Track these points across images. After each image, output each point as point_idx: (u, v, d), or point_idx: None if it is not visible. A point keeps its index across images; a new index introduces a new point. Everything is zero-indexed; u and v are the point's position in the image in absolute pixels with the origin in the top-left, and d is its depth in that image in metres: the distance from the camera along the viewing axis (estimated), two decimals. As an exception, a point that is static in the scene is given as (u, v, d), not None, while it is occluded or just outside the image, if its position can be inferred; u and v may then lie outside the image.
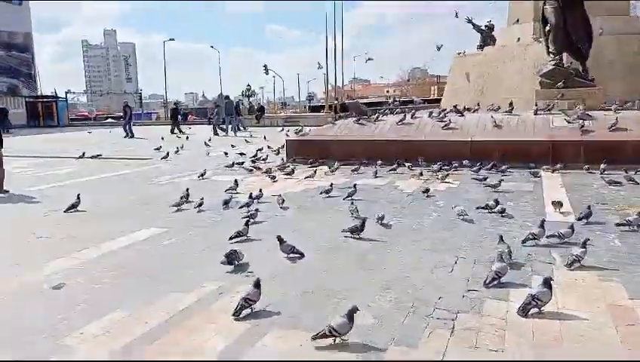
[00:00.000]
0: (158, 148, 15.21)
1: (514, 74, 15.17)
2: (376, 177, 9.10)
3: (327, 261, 4.49)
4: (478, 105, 12.20)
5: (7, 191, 8.47)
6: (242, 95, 52.00)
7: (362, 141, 11.12)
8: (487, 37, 24.49)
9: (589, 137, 9.21)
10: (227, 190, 7.94)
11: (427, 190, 7.32)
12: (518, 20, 15.63)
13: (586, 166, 8.76)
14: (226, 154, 13.79)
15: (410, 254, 4.58)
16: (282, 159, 11.50)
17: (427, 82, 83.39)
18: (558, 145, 9.39)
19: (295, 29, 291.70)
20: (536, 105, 10.57)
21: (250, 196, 7.04)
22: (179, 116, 26.51)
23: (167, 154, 13.28)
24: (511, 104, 11.37)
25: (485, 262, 4.22)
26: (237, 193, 7.87)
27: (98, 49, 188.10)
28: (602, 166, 8.49)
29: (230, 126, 23.59)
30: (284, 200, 6.90)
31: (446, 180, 8.34)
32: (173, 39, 54.39)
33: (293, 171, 9.81)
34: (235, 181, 8.36)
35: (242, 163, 11.10)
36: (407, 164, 9.89)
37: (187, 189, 7.48)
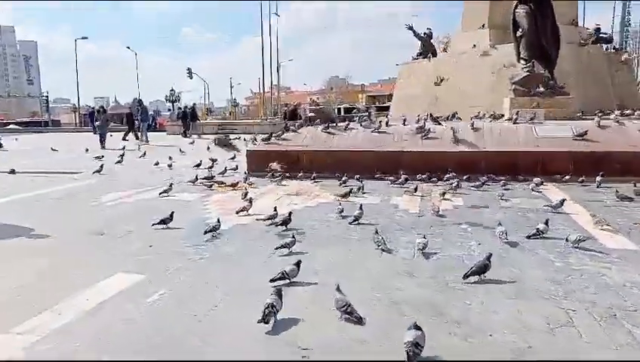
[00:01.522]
0: (99, 157, 13.46)
1: (470, 82, 14.89)
2: (363, 193, 8.09)
3: (396, 325, 3.28)
4: (455, 115, 11.57)
5: None
6: (166, 100, 48.87)
7: (335, 152, 10.06)
8: (427, 44, 24.59)
9: (581, 148, 8.83)
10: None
11: (438, 209, 6.42)
12: (483, 25, 15.41)
13: (580, 178, 8.36)
14: (156, 164, 12.24)
15: (499, 305, 3.53)
16: (245, 172, 10.10)
17: (351, 91, 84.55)
18: (547, 156, 8.93)
19: (209, 32, 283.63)
20: (517, 113, 10.12)
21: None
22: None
23: (101, 167, 11.32)
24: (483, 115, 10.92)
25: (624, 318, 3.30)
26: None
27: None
28: (598, 179, 8.10)
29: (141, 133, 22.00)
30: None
31: (445, 197, 7.49)
32: (86, 37, 50.09)
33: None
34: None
35: (211, 176, 9.57)
36: (389, 178, 9.02)
37: (172, 213, 6.03)
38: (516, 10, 11.15)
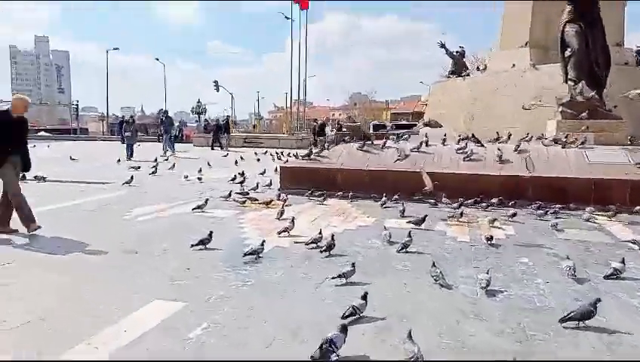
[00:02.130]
0: (136, 168, 13.61)
1: (508, 102, 14.40)
2: (403, 216, 7.66)
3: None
4: (497, 137, 11.05)
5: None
6: (192, 111, 49.28)
7: (372, 171, 9.67)
8: (458, 63, 24.17)
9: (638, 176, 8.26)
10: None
11: (490, 237, 5.95)
12: (526, 44, 14.95)
13: (637, 208, 7.79)
14: (186, 177, 12.07)
15: None
16: (279, 190, 9.78)
17: (374, 107, 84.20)
18: (600, 184, 8.38)
19: (233, 46, 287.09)
20: (566, 137, 9.61)
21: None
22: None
23: (132, 178, 11.14)
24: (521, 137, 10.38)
25: None
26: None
27: (28, 56, 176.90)
28: (654, 210, 7.54)
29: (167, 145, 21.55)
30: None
31: (494, 224, 7.02)
32: (117, 48, 50.80)
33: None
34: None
35: (245, 193, 9.30)
36: (429, 201, 8.60)
37: (211, 233, 5.72)
38: (565, 30, 10.67)
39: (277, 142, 27.13)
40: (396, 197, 8.62)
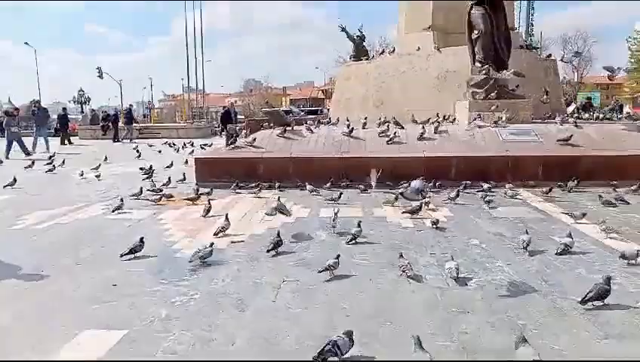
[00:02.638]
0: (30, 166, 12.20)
1: (416, 85, 14.69)
2: (337, 203, 7.33)
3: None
4: (384, 119, 11.13)
5: None
6: (73, 102, 44.77)
7: (296, 159, 9.19)
8: (360, 47, 24.43)
9: (549, 152, 8.73)
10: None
11: (437, 221, 5.83)
12: (430, 27, 15.23)
13: (558, 184, 8.20)
14: (81, 174, 10.76)
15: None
16: (196, 184, 8.91)
17: (271, 94, 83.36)
18: (516, 161, 8.74)
19: (117, 31, 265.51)
20: (479, 116, 9.91)
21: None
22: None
23: (15, 179, 9.53)
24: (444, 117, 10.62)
25: None
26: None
27: None
28: (570, 184, 8.02)
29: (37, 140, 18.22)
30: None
31: (430, 207, 6.95)
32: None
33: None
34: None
35: (159, 189, 8.30)
36: (360, 186, 8.38)
37: (142, 239, 4.96)
38: (471, 12, 10.99)
39: (175, 132, 25.48)
40: (327, 185, 8.26)
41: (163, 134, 25.53)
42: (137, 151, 15.85)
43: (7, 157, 15.42)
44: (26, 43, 50.70)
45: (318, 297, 3.76)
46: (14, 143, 16.29)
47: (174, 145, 18.02)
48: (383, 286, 3.96)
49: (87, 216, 6.79)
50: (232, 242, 5.39)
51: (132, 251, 4.74)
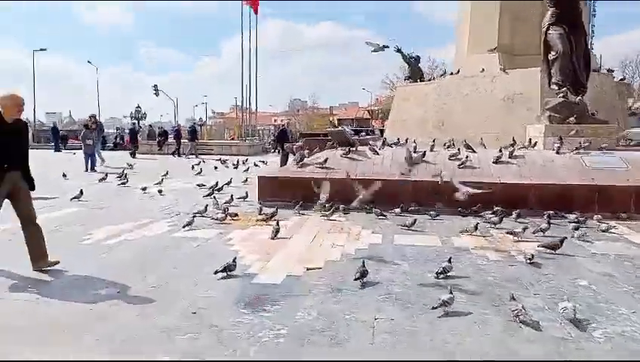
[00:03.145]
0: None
1: (480, 107, 14.13)
2: (409, 229, 6.90)
3: None
4: (451, 142, 10.60)
5: None
6: (131, 117, 46.40)
7: (361, 180, 8.79)
8: (415, 68, 24.04)
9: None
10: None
11: (532, 256, 5.28)
12: (495, 49, 14.76)
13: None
14: (143, 189, 10.79)
15: None
16: (260, 202, 8.69)
17: (317, 113, 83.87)
18: (604, 190, 8.02)
19: (165, 50, 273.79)
20: (560, 139, 9.23)
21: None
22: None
23: (81, 192, 9.63)
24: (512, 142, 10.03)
25: None
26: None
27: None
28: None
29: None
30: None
31: (517, 238, 6.36)
32: (45, 49, 46.62)
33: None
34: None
35: (224, 209, 8.06)
36: (431, 213, 7.89)
37: (235, 259, 4.84)
38: (549, 32, 10.41)
39: (229, 149, 25.68)
40: (397, 210, 7.85)
41: (216, 151, 25.82)
42: (199, 166, 16.06)
43: (86, 170, 15.86)
44: (89, 62, 53.47)
45: (422, 340, 3.33)
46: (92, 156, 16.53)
47: (225, 161, 18.04)
48: (493, 333, 3.47)
49: (153, 234, 6.63)
50: (308, 269, 5.05)
51: (226, 269, 4.60)
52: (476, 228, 6.72)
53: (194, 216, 7.10)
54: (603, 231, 6.86)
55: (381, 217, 7.74)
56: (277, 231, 6.46)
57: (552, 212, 7.51)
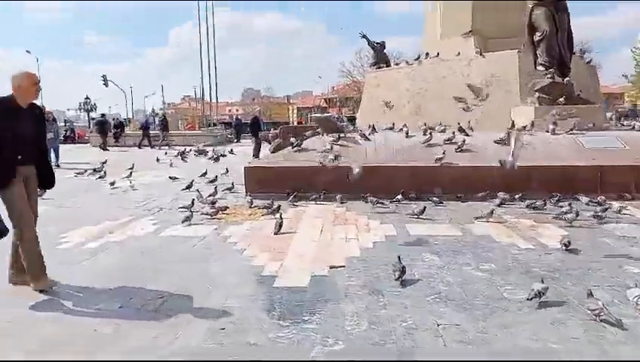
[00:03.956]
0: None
1: (457, 92, 13.82)
2: (419, 217, 6.46)
3: None
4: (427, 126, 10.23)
5: None
6: (80, 109, 43.89)
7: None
8: (380, 54, 23.67)
9: (643, 161, 7.84)
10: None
11: (569, 243, 4.91)
12: (470, 32, 14.47)
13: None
14: (112, 184, 9.89)
15: None
16: (250, 195, 7.98)
17: (274, 102, 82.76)
18: (607, 171, 7.84)
19: (112, 40, 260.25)
20: (554, 123, 8.99)
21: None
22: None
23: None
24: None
25: None
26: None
27: None
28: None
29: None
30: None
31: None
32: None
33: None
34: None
35: (213, 202, 7.36)
36: (434, 199, 7.48)
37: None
38: (534, 13, 10.16)
39: (193, 139, 24.42)
40: (399, 197, 7.37)
41: (177, 142, 24.63)
42: (167, 156, 15.11)
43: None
44: (28, 51, 50.13)
45: (504, 348, 2.84)
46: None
47: (190, 152, 16.97)
48: (577, 335, 3.03)
49: (140, 234, 5.85)
50: (331, 267, 4.47)
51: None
52: (491, 213, 6.34)
53: (191, 211, 6.41)
54: (617, 212, 6.63)
55: (379, 205, 7.25)
56: (280, 225, 5.84)
57: (559, 194, 7.28)
